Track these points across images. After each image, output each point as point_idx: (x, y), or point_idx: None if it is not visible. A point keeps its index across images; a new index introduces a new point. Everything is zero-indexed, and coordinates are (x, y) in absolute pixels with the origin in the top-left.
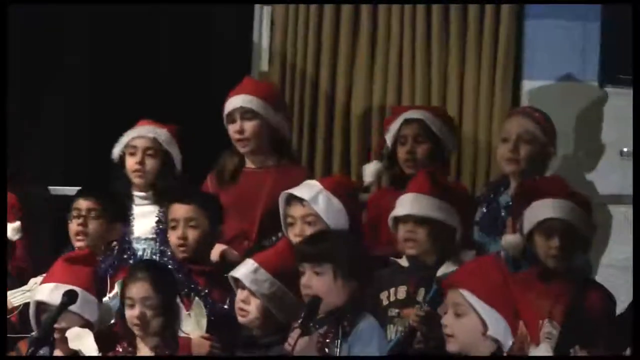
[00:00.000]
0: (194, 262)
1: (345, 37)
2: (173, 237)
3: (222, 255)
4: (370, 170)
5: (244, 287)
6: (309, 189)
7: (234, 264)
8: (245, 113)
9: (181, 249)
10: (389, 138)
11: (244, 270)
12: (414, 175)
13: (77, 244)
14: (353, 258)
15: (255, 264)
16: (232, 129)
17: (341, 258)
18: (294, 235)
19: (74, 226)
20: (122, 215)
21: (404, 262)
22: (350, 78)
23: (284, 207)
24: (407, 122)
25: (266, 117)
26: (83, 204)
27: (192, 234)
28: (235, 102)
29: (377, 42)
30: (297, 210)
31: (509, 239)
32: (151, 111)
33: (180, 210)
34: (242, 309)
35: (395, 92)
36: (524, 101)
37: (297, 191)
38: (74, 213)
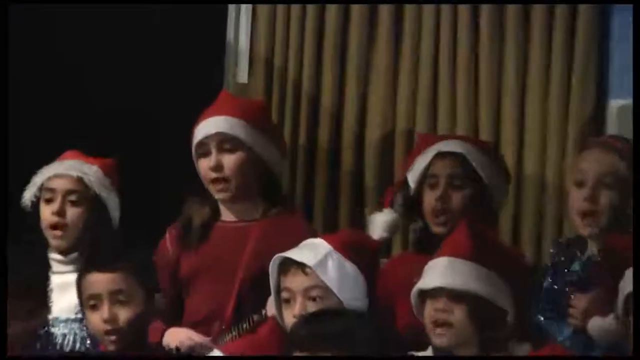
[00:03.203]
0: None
1: (355, 38)
2: (96, 320)
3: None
4: (380, 222)
5: None
6: (313, 251)
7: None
8: (224, 142)
9: (111, 337)
10: (412, 178)
11: None
12: (445, 233)
13: None
14: (371, 348)
15: None
16: (204, 164)
17: (355, 348)
18: (293, 316)
19: None
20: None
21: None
22: (364, 94)
23: (277, 276)
24: (440, 156)
25: (253, 148)
26: None
27: (123, 314)
28: (209, 127)
29: (402, 45)
30: (296, 281)
31: (598, 324)
32: (86, 142)
33: (101, 282)
34: None
35: (427, 115)
36: (610, 128)
37: (296, 254)
38: None
